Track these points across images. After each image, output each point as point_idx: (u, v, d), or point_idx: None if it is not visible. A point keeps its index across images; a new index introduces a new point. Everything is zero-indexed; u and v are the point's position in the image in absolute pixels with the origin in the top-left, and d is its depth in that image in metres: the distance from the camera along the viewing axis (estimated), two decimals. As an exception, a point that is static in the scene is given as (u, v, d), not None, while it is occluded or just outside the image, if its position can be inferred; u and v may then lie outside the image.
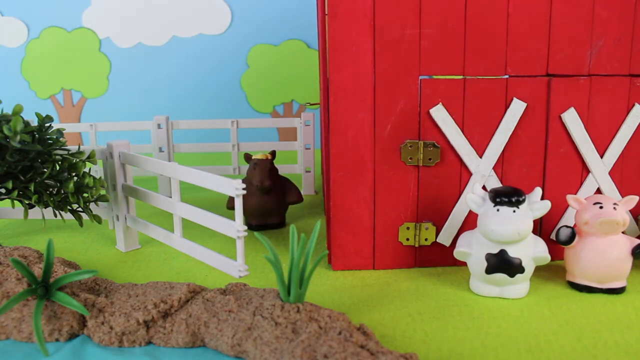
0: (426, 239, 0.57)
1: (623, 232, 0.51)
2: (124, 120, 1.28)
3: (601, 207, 0.49)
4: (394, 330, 0.45)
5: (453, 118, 0.54)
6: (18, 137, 0.52)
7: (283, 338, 0.40)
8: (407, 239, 0.56)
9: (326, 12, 0.52)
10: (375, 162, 0.55)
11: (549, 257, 0.49)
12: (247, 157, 0.72)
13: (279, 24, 1.41)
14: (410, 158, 0.54)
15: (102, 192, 0.87)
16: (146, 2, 1.39)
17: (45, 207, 0.58)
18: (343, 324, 0.41)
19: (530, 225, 0.48)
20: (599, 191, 0.57)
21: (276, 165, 0.72)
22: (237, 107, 1.45)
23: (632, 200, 0.51)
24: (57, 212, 0.61)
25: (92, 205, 0.66)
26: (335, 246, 0.57)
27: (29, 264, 0.54)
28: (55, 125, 0.69)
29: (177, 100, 1.41)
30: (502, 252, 0.48)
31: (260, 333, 0.40)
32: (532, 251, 0.49)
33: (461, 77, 0.53)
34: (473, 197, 0.50)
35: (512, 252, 0.48)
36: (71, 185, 0.57)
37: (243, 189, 0.48)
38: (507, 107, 0.54)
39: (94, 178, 0.59)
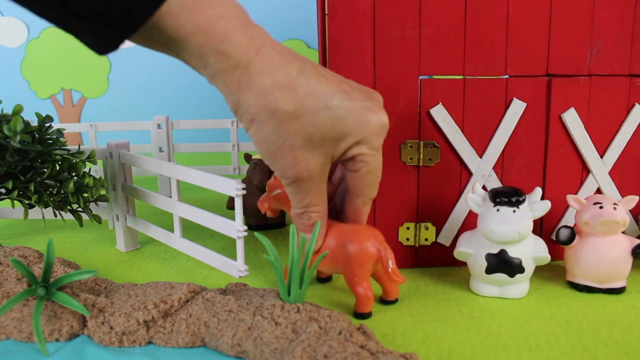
0: (426, 239, 0.57)
1: (623, 232, 0.51)
2: (124, 120, 1.28)
3: (601, 207, 0.49)
4: (394, 330, 0.45)
5: (453, 118, 0.54)
6: (18, 137, 0.52)
7: (283, 338, 0.40)
8: (407, 239, 0.56)
9: (326, 12, 0.52)
10: (375, 162, 0.54)
11: (549, 257, 0.49)
12: (247, 157, 0.72)
13: (279, 23, 1.41)
14: (410, 158, 0.54)
15: (102, 192, 0.87)
16: (146, 2, 1.39)
17: (45, 207, 0.58)
18: (343, 324, 0.41)
19: (530, 226, 0.48)
20: (599, 191, 0.57)
21: (276, 165, 0.72)
22: (237, 107, 1.45)
23: (632, 200, 0.51)
24: (57, 212, 0.61)
25: (92, 205, 0.66)
26: (335, 246, 0.57)
27: (29, 264, 0.54)
28: (55, 125, 0.69)
29: (177, 100, 1.41)
30: (502, 252, 0.48)
31: (260, 333, 0.40)
32: (532, 251, 0.49)
33: (461, 77, 0.53)
34: (473, 197, 0.50)
35: (512, 252, 0.48)
36: (71, 185, 0.57)
37: (243, 189, 0.48)
38: (507, 107, 0.54)
39: (94, 178, 0.59)
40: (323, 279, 0.54)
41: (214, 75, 0.40)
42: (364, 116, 0.43)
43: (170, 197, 0.57)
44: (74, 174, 0.59)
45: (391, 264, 0.46)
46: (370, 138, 0.44)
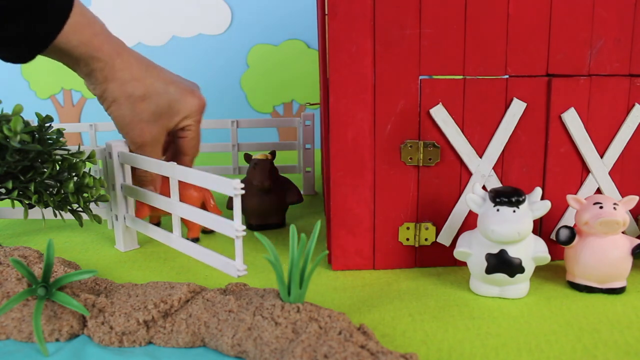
0: (426, 239, 0.57)
1: (623, 232, 0.51)
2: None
3: (601, 207, 0.49)
4: (394, 330, 0.45)
5: (453, 118, 0.54)
6: (18, 137, 0.52)
7: (283, 338, 0.40)
8: (407, 239, 0.57)
9: (326, 12, 0.52)
10: (375, 162, 0.55)
11: (549, 257, 0.49)
12: (247, 157, 0.72)
13: (279, 23, 1.41)
14: (410, 158, 0.54)
15: (102, 192, 0.87)
16: (146, 2, 1.39)
17: (45, 207, 0.58)
18: (343, 324, 0.41)
19: (530, 225, 0.48)
20: (599, 191, 0.57)
21: (276, 165, 0.72)
22: (237, 107, 1.45)
23: (632, 200, 0.51)
24: (57, 212, 0.61)
25: (92, 205, 0.66)
26: (335, 246, 0.57)
27: (29, 264, 0.54)
28: (55, 125, 0.69)
29: (177, 100, 1.41)
30: (502, 252, 0.48)
31: (260, 333, 0.40)
32: (532, 251, 0.49)
33: (461, 77, 0.53)
34: (473, 197, 0.50)
35: (512, 252, 0.48)
36: (71, 185, 0.57)
37: (242, 188, 0.48)
38: (507, 107, 0.54)
39: (94, 178, 0.59)
40: (156, 223, 0.71)
41: (89, 72, 0.57)
42: (190, 99, 0.62)
43: (170, 197, 0.57)
44: (74, 174, 0.59)
45: (212, 201, 0.67)
46: (194, 114, 0.63)
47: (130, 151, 0.63)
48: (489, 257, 0.49)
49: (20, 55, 0.54)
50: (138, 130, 0.60)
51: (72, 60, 0.56)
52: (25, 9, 0.51)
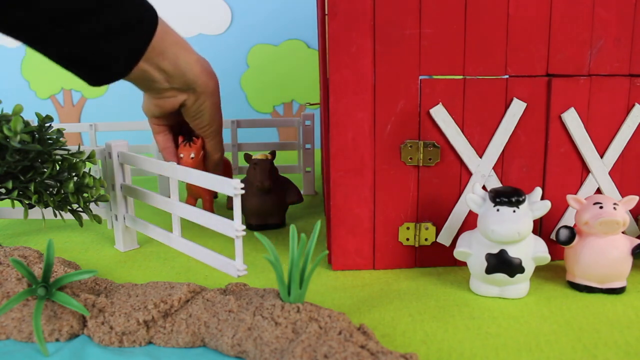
0: (426, 239, 0.57)
1: (623, 232, 0.51)
2: (124, 120, 1.28)
3: (601, 207, 0.49)
4: (394, 330, 0.45)
5: (453, 118, 0.54)
6: (18, 137, 0.52)
7: (283, 338, 0.40)
8: (407, 239, 0.56)
9: (326, 12, 0.52)
10: (375, 162, 0.55)
11: (549, 257, 0.49)
12: (247, 157, 0.72)
13: (279, 23, 1.41)
14: (410, 158, 0.54)
15: (102, 192, 0.87)
16: (146, 2, 1.39)
17: (45, 207, 0.58)
18: (343, 324, 0.41)
19: (530, 225, 0.48)
20: (599, 191, 0.57)
21: (276, 165, 0.72)
22: (237, 107, 1.45)
23: (632, 200, 0.51)
24: (57, 212, 0.61)
25: (92, 205, 0.66)
26: (335, 246, 0.57)
27: (29, 264, 0.54)
28: (55, 125, 0.69)
29: (177, 100, 1.40)
30: (502, 252, 0.48)
31: (261, 333, 0.40)
32: (532, 251, 0.49)
33: (461, 77, 0.53)
34: (473, 197, 0.50)
35: (512, 252, 0.48)
36: (71, 185, 0.57)
37: (242, 188, 0.48)
38: (507, 107, 0.54)
39: (94, 178, 0.59)
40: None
41: (183, 73, 0.59)
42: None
43: (170, 197, 0.57)
44: (74, 174, 0.59)
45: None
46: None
47: (202, 142, 0.69)
48: (489, 257, 0.49)
49: (117, 72, 0.55)
50: (220, 113, 0.67)
51: (167, 60, 0.57)
52: (127, 14, 0.53)
